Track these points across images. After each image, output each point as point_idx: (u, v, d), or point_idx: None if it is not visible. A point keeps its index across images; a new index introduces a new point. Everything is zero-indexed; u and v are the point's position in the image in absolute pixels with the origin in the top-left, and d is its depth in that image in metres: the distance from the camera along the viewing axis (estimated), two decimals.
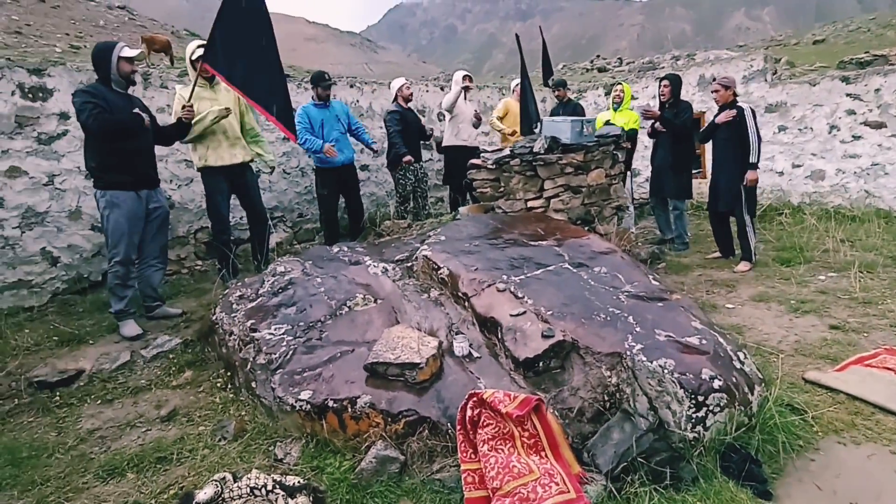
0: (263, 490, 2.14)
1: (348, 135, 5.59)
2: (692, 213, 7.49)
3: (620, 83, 6.40)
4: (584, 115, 6.64)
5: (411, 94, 6.00)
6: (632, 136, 6.14)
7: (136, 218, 3.77)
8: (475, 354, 2.81)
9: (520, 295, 3.01)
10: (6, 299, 4.34)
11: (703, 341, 2.57)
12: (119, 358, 3.45)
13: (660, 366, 2.36)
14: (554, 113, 6.96)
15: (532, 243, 3.79)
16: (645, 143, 7.18)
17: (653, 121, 5.78)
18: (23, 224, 4.42)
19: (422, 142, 6.23)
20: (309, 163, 6.15)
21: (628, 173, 6.23)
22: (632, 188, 6.32)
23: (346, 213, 5.77)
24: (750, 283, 4.82)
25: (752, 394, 2.42)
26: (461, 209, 5.12)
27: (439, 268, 3.50)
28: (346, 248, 4.23)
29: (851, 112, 6.69)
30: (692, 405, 2.24)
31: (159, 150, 5.01)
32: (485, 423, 2.29)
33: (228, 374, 3.23)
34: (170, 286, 4.93)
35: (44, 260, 4.53)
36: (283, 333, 3.13)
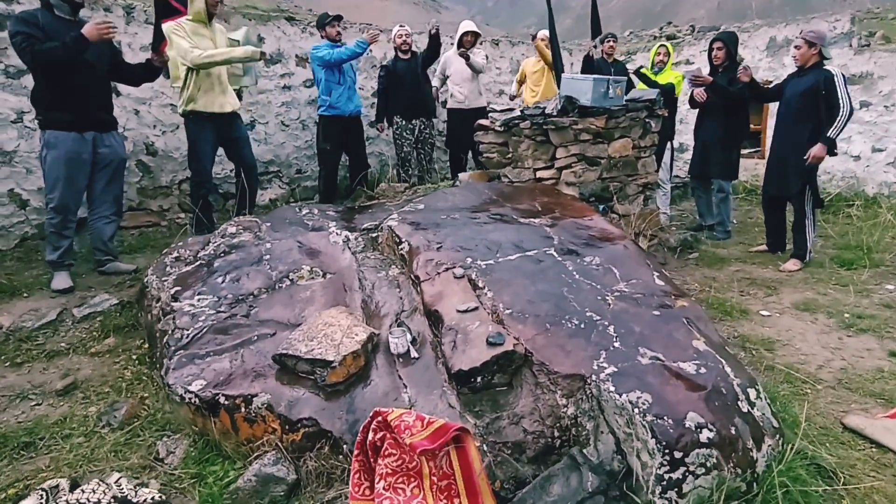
0: None
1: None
2: (739, 197, 6.57)
3: (664, 43, 5.48)
4: (626, 75, 5.76)
5: (405, 44, 5.32)
6: (669, 97, 5.27)
7: (78, 162, 3.38)
8: (413, 355, 2.26)
9: (480, 285, 2.43)
10: None
11: (702, 370, 1.93)
12: (46, 315, 3.11)
13: (630, 401, 1.74)
14: (594, 68, 6.04)
15: (522, 220, 3.16)
16: (681, 117, 6.25)
17: (700, 88, 4.89)
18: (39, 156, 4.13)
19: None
20: (311, 115, 5.65)
21: (668, 145, 5.39)
22: (671, 163, 5.47)
23: (349, 171, 5.27)
24: (797, 286, 4.02)
25: (759, 449, 1.78)
26: (461, 175, 4.50)
27: (401, 242, 2.94)
28: (315, 211, 3.72)
29: None
30: (665, 461, 1.63)
31: (141, 91, 4.66)
32: (387, 453, 1.76)
33: (147, 346, 2.83)
34: (142, 238, 4.60)
35: (11, 202, 4.26)
36: (204, 306, 2.68)
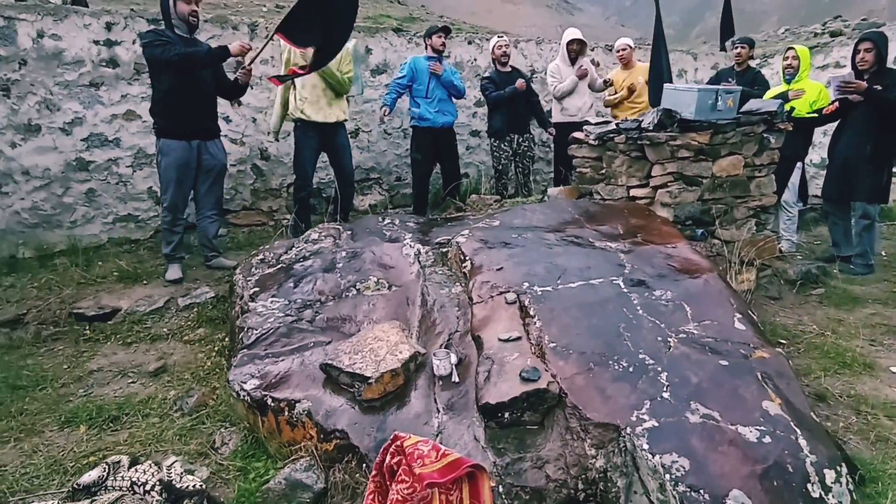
0: (143, 488, 1.89)
1: (453, 99, 5.11)
2: (887, 224, 5.61)
3: (793, 47, 4.78)
4: (766, 87, 5.10)
5: (504, 55, 5.21)
6: (821, 117, 4.60)
7: (185, 168, 3.78)
8: (454, 379, 2.22)
9: (531, 312, 2.32)
10: (117, 230, 4.79)
11: (766, 438, 1.67)
12: (156, 302, 3.54)
13: (663, 464, 1.56)
14: (720, 79, 5.46)
15: (597, 244, 2.98)
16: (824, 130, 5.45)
17: (851, 95, 4.20)
18: (134, 164, 4.79)
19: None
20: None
21: (798, 165, 4.74)
22: (799, 184, 4.79)
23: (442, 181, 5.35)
24: None
25: None
26: (550, 190, 4.35)
27: (465, 259, 2.91)
28: (396, 222, 3.82)
29: None
30: None
31: (259, 101, 5.12)
32: (400, 479, 1.74)
33: (228, 339, 3.09)
34: (251, 236, 5.04)
35: (150, 198, 4.90)
36: (275, 308, 2.86)
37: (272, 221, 5.27)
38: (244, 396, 2.31)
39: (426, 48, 5.10)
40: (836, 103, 4.36)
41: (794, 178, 4.74)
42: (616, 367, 1.97)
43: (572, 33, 5.46)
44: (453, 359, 2.30)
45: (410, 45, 5.74)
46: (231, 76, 4.10)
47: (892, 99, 4.06)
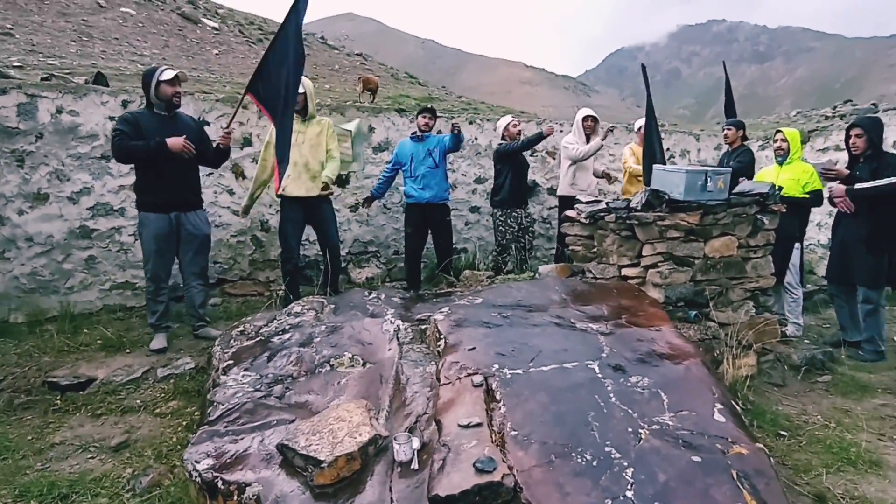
0: None
1: (444, 169, 5.19)
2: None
3: (781, 130, 4.84)
4: (751, 166, 5.18)
5: (519, 132, 5.35)
6: (816, 197, 4.58)
7: (165, 238, 3.85)
8: (414, 465, 2.10)
9: (497, 396, 2.22)
10: (113, 297, 4.85)
11: None
12: (134, 372, 3.49)
13: None
14: (718, 161, 5.56)
15: (578, 326, 2.89)
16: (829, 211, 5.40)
17: (840, 197, 4.21)
18: (136, 233, 4.91)
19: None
20: None
21: (796, 246, 4.66)
22: (798, 266, 4.68)
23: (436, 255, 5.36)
24: None
25: None
26: (541, 268, 4.31)
27: (440, 337, 2.84)
28: (382, 297, 3.79)
29: None
30: None
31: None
32: None
33: (199, 413, 3.00)
34: (246, 306, 5.04)
35: None
36: (246, 382, 2.80)
37: (268, 292, 5.29)
38: (196, 477, 2.20)
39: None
40: (846, 199, 4.31)
41: (794, 260, 4.65)
42: (579, 461, 1.84)
43: (586, 111, 5.64)
44: (415, 443, 2.18)
45: (412, 124, 5.96)
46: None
47: (868, 194, 4.03)
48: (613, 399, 2.18)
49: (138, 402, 3.26)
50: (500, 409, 2.14)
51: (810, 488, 2.59)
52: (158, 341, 3.85)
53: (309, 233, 4.83)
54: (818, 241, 6.82)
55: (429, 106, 5.22)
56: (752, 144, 7.66)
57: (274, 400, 2.68)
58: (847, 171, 4.14)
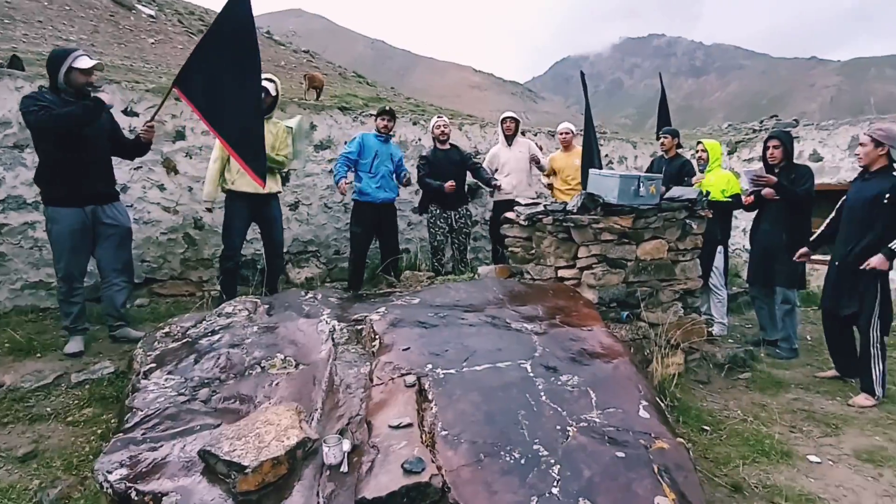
0: None
1: (394, 176, 5.17)
2: (812, 309, 5.80)
3: (701, 141, 5.14)
4: (691, 173, 5.41)
5: (443, 134, 5.37)
6: (736, 200, 4.87)
7: (79, 234, 3.58)
8: (344, 468, 2.05)
9: (430, 397, 2.21)
10: (25, 297, 4.50)
11: None
12: (45, 378, 3.25)
13: None
14: (654, 168, 5.80)
15: (513, 326, 2.92)
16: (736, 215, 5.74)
17: (761, 189, 4.47)
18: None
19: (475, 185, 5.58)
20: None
21: (719, 249, 4.91)
22: (724, 268, 4.95)
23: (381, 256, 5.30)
24: (864, 427, 3.34)
25: None
26: (480, 269, 4.35)
27: (375, 337, 2.81)
28: (319, 297, 3.70)
29: None
30: None
31: (197, 170, 5.06)
32: None
33: (116, 421, 2.83)
34: (176, 307, 4.81)
35: None
36: (169, 386, 2.66)
37: (200, 292, 5.06)
38: (107, 488, 2.07)
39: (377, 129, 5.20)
40: (752, 196, 4.61)
41: (718, 262, 4.89)
42: (507, 459, 1.85)
43: (507, 112, 5.75)
44: (346, 446, 2.13)
45: (356, 122, 5.88)
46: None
47: (799, 193, 4.33)
48: (544, 398, 2.21)
49: (48, 409, 3.03)
50: (431, 409, 2.12)
51: (728, 479, 2.72)
52: (74, 345, 3.60)
53: (249, 231, 4.67)
54: (743, 246, 7.22)
55: (388, 108, 5.16)
56: (686, 153, 8.03)
57: (199, 404, 2.56)
58: (776, 179, 4.39)
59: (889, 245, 3.47)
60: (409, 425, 2.01)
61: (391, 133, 5.16)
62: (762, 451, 2.99)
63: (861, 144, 3.77)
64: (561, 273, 3.91)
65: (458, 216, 5.38)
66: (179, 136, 5.08)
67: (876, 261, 3.49)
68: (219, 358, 2.85)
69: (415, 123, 6.31)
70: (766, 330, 4.84)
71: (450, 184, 5.13)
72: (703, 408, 3.56)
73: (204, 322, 3.26)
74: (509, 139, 5.75)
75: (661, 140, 5.56)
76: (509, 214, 4.36)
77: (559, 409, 2.15)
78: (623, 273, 3.76)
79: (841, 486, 2.69)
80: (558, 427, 2.04)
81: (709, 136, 8.27)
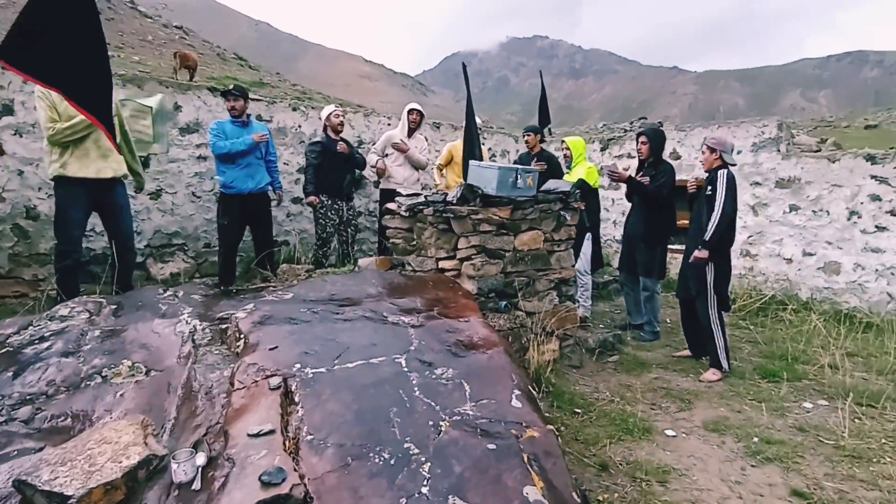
0: None
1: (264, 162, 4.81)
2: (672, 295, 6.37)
3: (564, 139, 5.46)
4: (559, 168, 5.70)
5: (341, 124, 5.18)
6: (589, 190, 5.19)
7: None
8: (196, 486, 1.83)
9: (296, 399, 2.05)
10: None
11: None
12: None
13: None
14: (520, 163, 6.05)
15: (390, 319, 2.83)
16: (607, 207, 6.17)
17: (617, 183, 4.80)
18: None
19: (357, 177, 5.40)
20: None
21: (587, 236, 5.21)
22: (591, 256, 5.25)
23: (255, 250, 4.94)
24: (712, 400, 3.69)
25: None
26: (361, 261, 4.21)
27: (240, 337, 2.58)
28: (180, 294, 3.36)
29: (876, 198, 5.55)
30: None
31: (29, 151, 4.39)
32: None
33: None
34: (2, 310, 4.13)
35: None
36: None
37: (35, 292, 4.40)
38: None
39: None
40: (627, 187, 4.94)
41: (586, 249, 5.16)
42: (377, 461, 1.76)
43: (413, 105, 5.64)
44: (199, 459, 1.91)
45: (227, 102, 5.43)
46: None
47: (648, 189, 4.68)
48: (417, 392, 2.15)
49: None
50: (297, 412, 1.97)
51: (596, 459, 2.85)
52: None
53: (95, 221, 4.12)
54: (614, 237, 7.75)
55: (231, 87, 4.74)
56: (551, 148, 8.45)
57: (18, 425, 2.18)
58: (627, 174, 4.74)
59: (703, 237, 3.91)
60: (271, 432, 1.85)
61: (247, 115, 4.75)
62: (626, 429, 3.19)
63: (702, 152, 4.21)
64: (442, 264, 3.89)
65: (346, 207, 5.18)
66: (7, 110, 4.35)
67: (697, 252, 3.94)
68: (46, 369, 2.46)
69: (294, 109, 5.97)
70: (632, 315, 5.21)
71: (341, 145, 4.96)
72: (575, 391, 3.73)
73: (30, 328, 2.80)
74: (412, 132, 5.63)
75: (525, 138, 5.83)
76: (391, 205, 4.27)
77: (433, 403, 2.10)
78: (501, 263, 3.82)
79: (692, 456, 2.93)
80: (431, 423, 1.98)
81: (586, 134, 8.76)
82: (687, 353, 4.52)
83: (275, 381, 2.12)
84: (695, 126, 7.11)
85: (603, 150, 8.12)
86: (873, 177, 5.58)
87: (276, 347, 2.39)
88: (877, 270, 5.55)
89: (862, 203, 5.65)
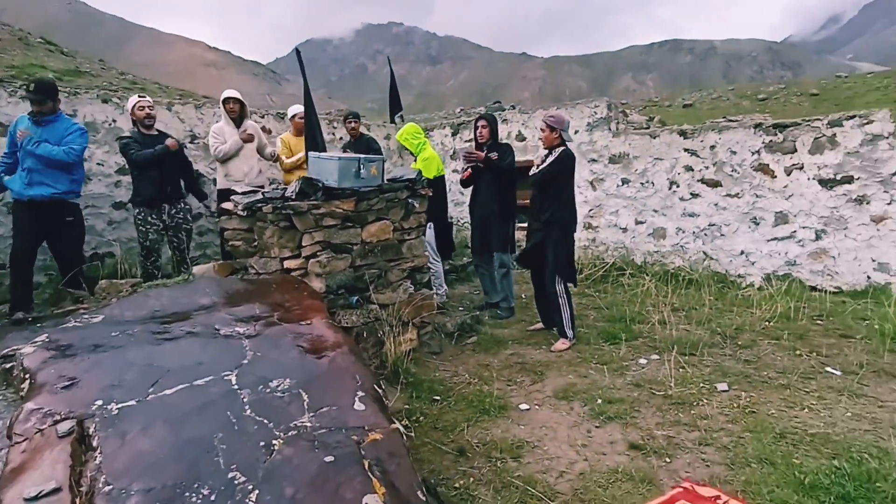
0: None
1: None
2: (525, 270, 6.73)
3: (396, 138, 5.52)
4: (380, 153, 5.68)
5: (149, 116, 4.62)
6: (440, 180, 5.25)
7: None
8: None
9: (95, 443, 1.75)
10: None
11: None
12: None
13: None
14: (344, 150, 5.98)
15: (223, 331, 2.57)
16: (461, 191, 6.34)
17: (473, 165, 4.88)
18: None
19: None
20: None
21: (430, 225, 5.25)
22: (434, 241, 5.28)
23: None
24: (562, 369, 3.90)
25: None
26: (195, 269, 3.82)
27: (26, 377, 2.16)
28: None
29: (689, 168, 6.28)
30: None
31: None
32: None
33: None
34: None
35: None
36: None
37: None
38: None
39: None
40: (470, 170, 5.02)
41: (429, 236, 5.13)
42: (194, 499, 1.55)
43: (229, 92, 5.17)
44: None
45: (13, 99, 4.59)
46: None
47: (503, 167, 4.84)
48: (248, 411, 1.95)
49: None
50: (95, 459, 1.68)
51: (454, 444, 2.86)
52: None
53: None
54: (468, 221, 7.93)
55: (32, 81, 4.04)
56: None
57: None
58: (483, 154, 4.82)
59: (531, 172, 4.22)
60: (55, 491, 1.54)
61: (69, 112, 4.13)
62: (483, 409, 3.24)
63: (541, 130, 4.37)
64: (287, 264, 3.66)
65: (173, 211, 4.65)
66: None
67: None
68: None
69: (105, 101, 5.23)
70: (489, 294, 5.37)
71: (171, 141, 4.45)
72: (435, 378, 3.73)
73: None
74: (236, 122, 5.19)
75: (349, 124, 5.86)
76: (226, 205, 3.92)
77: (266, 421, 1.92)
78: (350, 258, 3.68)
79: (543, 427, 3.05)
80: (262, 443, 1.80)
81: (444, 119, 8.82)
82: (540, 325, 4.75)
83: (65, 426, 1.79)
84: (537, 108, 7.48)
85: (454, 134, 8.26)
86: (686, 150, 6.29)
87: (74, 384, 2.04)
88: (693, 233, 6.30)
89: (679, 173, 6.35)
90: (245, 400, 2.01)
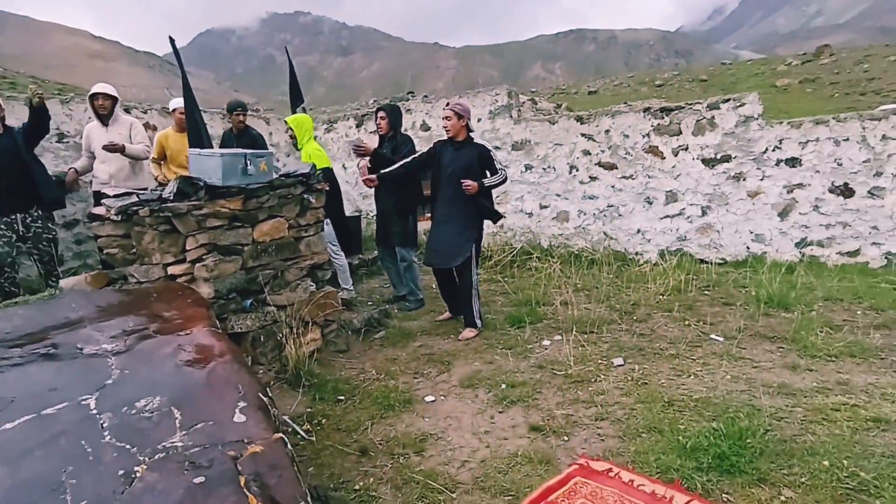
0: None
1: None
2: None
3: (286, 119, 5.27)
4: (264, 147, 5.45)
5: None
6: (327, 174, 5.06)
7: None
8: None
9: None
10: None
11: None
12: None
13: None
14: (224, 144, 5.67)
15: (86, 350, 2.32)
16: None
17: (363, 156, 4.74)
18: None
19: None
20: None
21: (326, 221, 5.09)
22: (333, 236, 5.11)
23: None
24: (469, 357, 3.92)
25: None
26: (62, 282, 3.45)
27: None
28: None
29: (587, 152, 6.52)
30: None
31: None
32: None
33: None
34: None
35: None
36: None
37: None
38: None
39: None
40: (367, 165, 4.89)
41: (327, 231, 4.94)
42: None
43: (98, 87, 4.72)
44: None
45: None
46: None
47: (393, 159, 4.68)
48: (108, 437, 1.77)
49: None
50: None
51: (357, 445, 2.78)
52: None
53: None
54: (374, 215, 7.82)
55: None
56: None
57: None
58: (374, 147, 4.70)
59: (483, 181, 4.17)
60: None
61: None
62: (388, 405, 3.18)
63: (446, 118, 4.30)
64: (171, 270, 3.40)
65: (28, 219, 4.18)
66: None
67: (470, 184, 4.10)
68: None
69: None
70: (396, 287, 5.31)
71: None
72: (340, 377, 3.63)
73: None
74: (104, 119, 4.75)
75: (234, 116, 5.59)
76: (97, 210, 3.57)
77: (128, 446, 1.74)
78: (240, 259, 3.48)
79: (448, 417, 3.04)
80: (122, 472, 1.64)
81: (357, 111, 8.57)
82: (447, 315, 4.74)
83: None
84: (440, 97, 7.46)
85: (358, 126, 8.09)
86: (583, 135, 6.52)
87: None
88: (594, 214, 6.56)
89: (578, 158, 6.57)
90: (104, 425, 1.82)
